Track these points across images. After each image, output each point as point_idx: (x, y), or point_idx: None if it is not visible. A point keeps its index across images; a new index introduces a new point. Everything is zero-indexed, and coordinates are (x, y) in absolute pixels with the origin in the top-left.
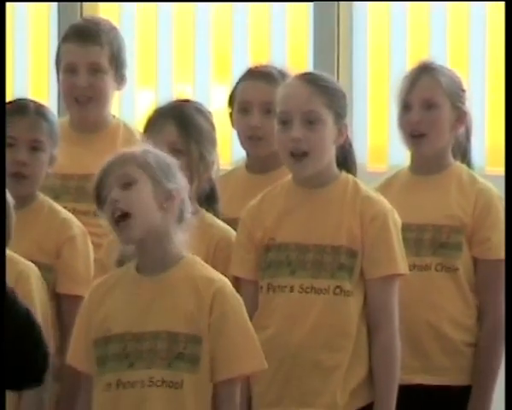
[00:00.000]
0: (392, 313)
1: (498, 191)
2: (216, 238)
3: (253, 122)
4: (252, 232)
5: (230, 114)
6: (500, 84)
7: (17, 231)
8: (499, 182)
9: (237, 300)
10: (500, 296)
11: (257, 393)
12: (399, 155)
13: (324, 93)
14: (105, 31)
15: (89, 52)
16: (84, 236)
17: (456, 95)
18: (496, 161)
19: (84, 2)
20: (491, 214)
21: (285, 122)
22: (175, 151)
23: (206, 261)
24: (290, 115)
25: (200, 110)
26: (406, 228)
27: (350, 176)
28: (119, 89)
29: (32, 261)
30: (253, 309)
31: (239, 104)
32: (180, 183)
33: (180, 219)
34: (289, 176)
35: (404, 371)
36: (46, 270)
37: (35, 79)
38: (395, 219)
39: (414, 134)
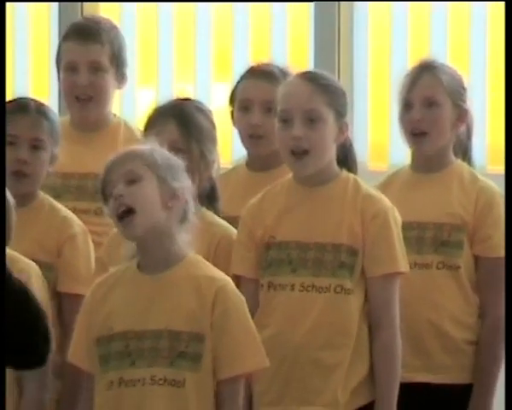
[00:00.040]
0: (393, 311)
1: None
2: (217, 237)
3: (253, 120)
4: (252, 231)
5: (231, 113)
6: (501, 83)
7: (18, 229)
8: (500, 181)
9: (239, 298)
10: (501, 294)
11: (257, 392)
12: (400, 154)
13: (325, 91)
14: (106, 29)
15: (89, 51)
16: (85, 234)
17: (457, 93)
18: (496, 160)
19: (84, 2)
20: (492, 212)
21: (286, 120)
22: (175, 150)
23: (207, 260)
24: (291, 114)
25: (200, 109)
26: (407, 226)
27: (350, 174)
28: (119, 87)
29: (33, 260)
30: (253, 308)
31: (240, 102)
32: (185, 183)
33: (183, 219)
34: (290, 174)
35: (405, 369)
36: (47, 268)
37: (36, 78)
38: (396, 217)
39: (415, 132)
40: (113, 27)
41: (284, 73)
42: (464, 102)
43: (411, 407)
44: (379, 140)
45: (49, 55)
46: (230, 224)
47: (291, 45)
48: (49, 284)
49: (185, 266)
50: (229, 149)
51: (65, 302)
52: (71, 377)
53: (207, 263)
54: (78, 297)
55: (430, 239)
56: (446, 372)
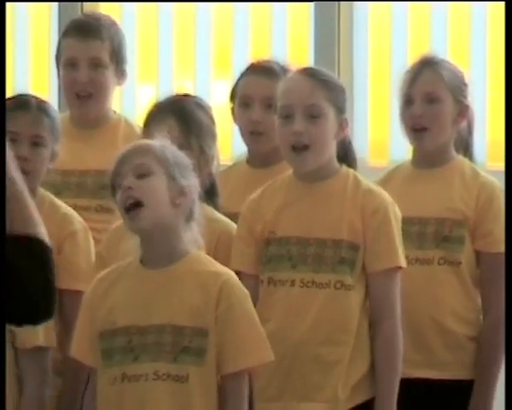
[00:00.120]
0: (394, 306)
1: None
2: (217, 232)
3: (254, 117)
4: (252, 226)
5: (232, 109)
6: (501, 81)
7: None
8: (500, 177)
9: (243, 292)
10: (502, 290)
11: (258, 387)
12: (400, 150)
13: (325, 87)
14: (106, 26)
15: (89, 47)
16: (86, 231)
17: (458, 89)
18: (497, 156)
19: (84, 2)
20: (493, 208)
21: (287, 116)
22: (175, 146)
23: (208, 255)
24: (292, 109)
25: (199, 105)
26: (409, 221)
27: (350, 170)
28: (119, 84)
29: None
30: (253, 303)
31: (240, 99)
32: (193, 181)
33: (189, 217)
34: (290, 170)
35: (406, 365)
36: None
37: (35, 76)
38: (396, 212)
39: (416, 128)
40: (113, 24)
41: (284, 70)
42: (465, 97)
43: (412, 403)
44: (379, 137)
45: (49, 55)
46: (231, 220)
47: (291, 45)
48: None
49: (189, 261)
50: (229, 145)
51: (65, 299)
52: (71, 374)
53: (210, 258)
54: (78, 294)
55: (431, 234)
56: (447, 368)
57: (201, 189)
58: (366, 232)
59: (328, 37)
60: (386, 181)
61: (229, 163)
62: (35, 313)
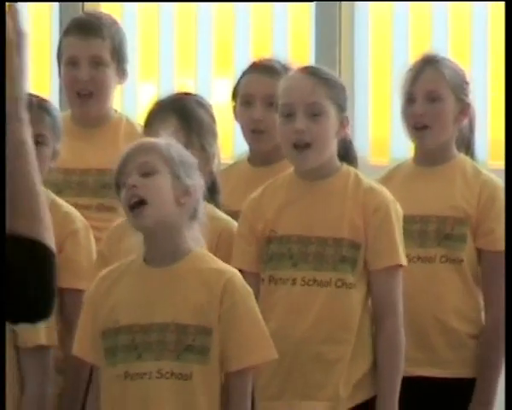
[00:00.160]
0: (396, 304)
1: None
2: (218, 230)
3: (255, 115)
4: (253, 224)
5: (234, 108)
6: (502, 81)
7: None
8: (502, 176)
9: (247, 290)
10: (504, 288)
11: (259, 386)
12: (401, 149)
13: (326, 85)
14: (107, 24)
15: (90, 45)
16: (87, 230)
17: (459, 87)
18: (498, 154)
19: (85, 2)
20: (495, 206)
21: (288, 115)
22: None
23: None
24: (294, 107)
25: (200, 103)
26: (410, 219)
27: (351, 168)
28: (120, 83)
29: None
30: None
31: (242, 97)
32: (198, 181)
33: (193, 216)
34: (291, 168)
35: (408, 363)
36: None
37: (37, 76)
38: (397, 210)
39: (417, 126)
40: (114, 22)
41: (286, 68)
42: (467, 95)
43: (414, 401)
44: (380, 135)
45: (50, 54)
46: (232, 218)
47: (292, 45)
48: None
49: (192, 259)
50: (230, 144)
51: (66, 298)
52: (73, 372)
53: (213, 256)
54: (79, 292)
55: (433, 232)
56: (449, 366)
57: None
58: (367, 230)
59: (329, 36)
60: (388, 179)
61: (231, 162)
62: (31, 313)
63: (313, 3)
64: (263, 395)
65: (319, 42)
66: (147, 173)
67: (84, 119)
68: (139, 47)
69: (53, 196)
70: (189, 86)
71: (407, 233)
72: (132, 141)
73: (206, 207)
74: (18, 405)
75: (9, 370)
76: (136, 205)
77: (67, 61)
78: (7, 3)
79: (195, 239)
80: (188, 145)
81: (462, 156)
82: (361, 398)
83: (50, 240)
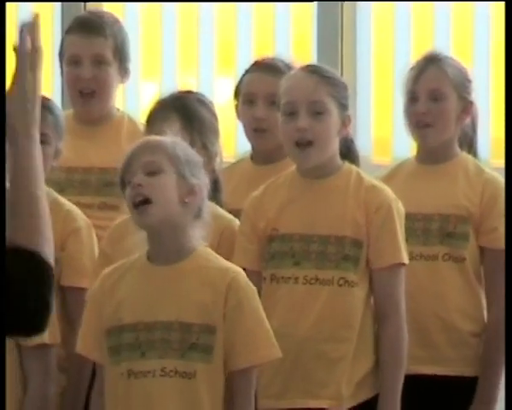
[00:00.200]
0: (398, 302)
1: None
2: (220, 228)
3: (257, 114)
4: (255, 223)
5: (236, 107)
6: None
7: None
8: (503, 174)
9: (251, 289)
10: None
11: (261, 384)
12: (404, 148)
13: (329, 83)
14: (109, 23)
15: (93, 44)
16: (89, 228)
17: (462, 86)
18: (500, 153)
19: (87, 2)
20: (497, 204)
21: (290, 113)
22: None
23: None
24: (296, 106)
25: (202, 101)
26: (413, 217)
27: (353, 166)
28: (122, 82)
29: None
30: None
31: (244, 96)
32: (203, 180)
33: (198, 215)
34: (293, 167)
35: (410, 361)
36: None
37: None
38: (399, 209)
39: (420, 125)
40: (117, 21)
41: (288, 67)
42: (469, 94)
43: (416, 399)
44: (382, 134)
45: (52, 54)
46: (234, 216)
47: (294, 45)
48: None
49: (196, 258)
50: (232, 143)
51: (69, 296)
52: (75, 371)
53: (217, 255)
54: (82, 291)
55: (436, 231)
56: (451, 365)
57: None
58: (369, 229)
59: (331, 36)
60: (390, 177)
61: (233, 161)
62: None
63: (315, 3)
64: (265, 394)
65: (321, 41)
66: (152, 172)
67: (87, 117)
68: (141, 46)
69: (55, 194)
70: (191, 85)
71: (410, 231)
72: (134, 140)
73: (208, 206)
74: (20, 404)
75: (12, 368)
76: (141, 203)
77: (70, 60)
78: (32, 15)
79: (200, 238)
80: (190, 144)
81: (464, 155)
82: (363, 397)
83: (50, 254)
